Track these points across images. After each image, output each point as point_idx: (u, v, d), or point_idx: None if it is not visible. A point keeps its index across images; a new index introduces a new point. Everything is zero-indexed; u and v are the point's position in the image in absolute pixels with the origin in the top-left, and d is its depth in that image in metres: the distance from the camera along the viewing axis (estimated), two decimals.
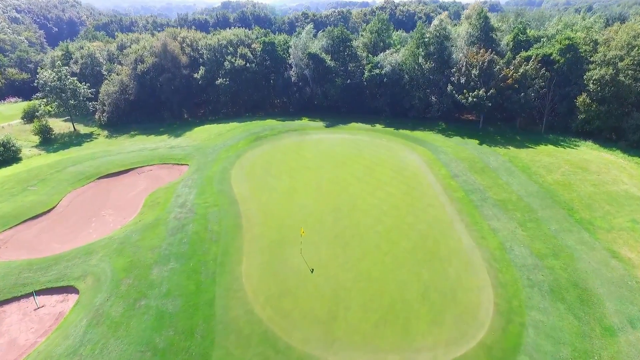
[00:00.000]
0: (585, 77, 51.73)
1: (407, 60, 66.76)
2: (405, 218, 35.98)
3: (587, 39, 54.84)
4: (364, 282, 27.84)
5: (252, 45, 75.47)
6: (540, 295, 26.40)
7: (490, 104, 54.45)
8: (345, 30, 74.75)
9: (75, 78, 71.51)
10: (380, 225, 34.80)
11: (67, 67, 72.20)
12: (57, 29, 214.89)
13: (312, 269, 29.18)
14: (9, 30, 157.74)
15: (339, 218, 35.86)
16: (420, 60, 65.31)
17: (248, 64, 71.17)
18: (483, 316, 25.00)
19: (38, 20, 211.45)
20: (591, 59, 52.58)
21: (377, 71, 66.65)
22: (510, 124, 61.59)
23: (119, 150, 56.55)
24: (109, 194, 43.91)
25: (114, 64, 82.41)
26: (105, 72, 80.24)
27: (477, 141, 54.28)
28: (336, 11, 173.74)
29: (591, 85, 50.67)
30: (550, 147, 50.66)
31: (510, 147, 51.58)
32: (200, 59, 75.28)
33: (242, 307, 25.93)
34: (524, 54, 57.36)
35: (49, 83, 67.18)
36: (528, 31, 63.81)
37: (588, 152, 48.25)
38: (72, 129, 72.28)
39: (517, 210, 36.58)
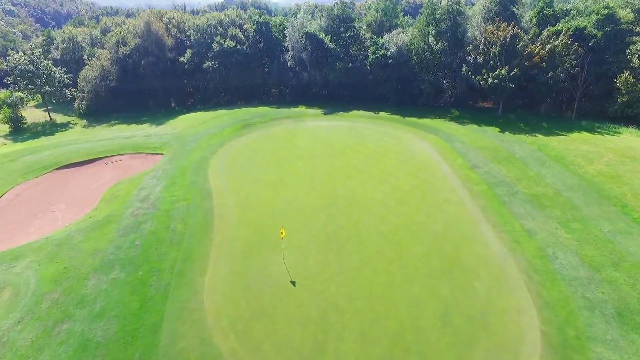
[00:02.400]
0: (628, 51, 44.04)
1: (416, 40, 59.62)
2: (416, 216, 28.93)
3: (629, 8, 47.12)
4: (363, 301, 20.89)
5: (245, 26, 68.61)
6: (604, 321, 19.27)
7: (512, 86, 47.04)
8: (347, 8, 67.70)
9: (50, 62, 65.35)
10: (385, 225, 27.78)
11: (40, 49, 65.76)
12: (54, 23, 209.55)
13: (294, 281, 22.29)
14: (1, 23, 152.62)
15: (334, 216, 28.88)
16: (431, 39, 58.15)
17: (239, 46, 64.36)
18: (528, 351, 17.94)
19: (35, 13, 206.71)
20: (637, 30, 44.86)
21: (382, 52, 59.53)
22: (534, 111, 54.19)
23: (89, 138, 50.11)
24: (65, 187, 37.38)
25: (95, 48, 76.15)
26: (86, 57, 74.00)
27: (497, 129, 46.95)
28: (339, 2, 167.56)
29: (636, 61, 43.01)
30: (586, 134, 43.22)
31: (537, 134, 44.19)
32: (187, 41, 68.66)
33: (196, 334, 19.12)
34: (552, 28, 49.86)
35: (20, 66, 60.99)
36: (555, 4, 56.18)
37: (634, 140, 40.63)
38: (47, 118, 66.20)
39: (556, 207, 29.38)
